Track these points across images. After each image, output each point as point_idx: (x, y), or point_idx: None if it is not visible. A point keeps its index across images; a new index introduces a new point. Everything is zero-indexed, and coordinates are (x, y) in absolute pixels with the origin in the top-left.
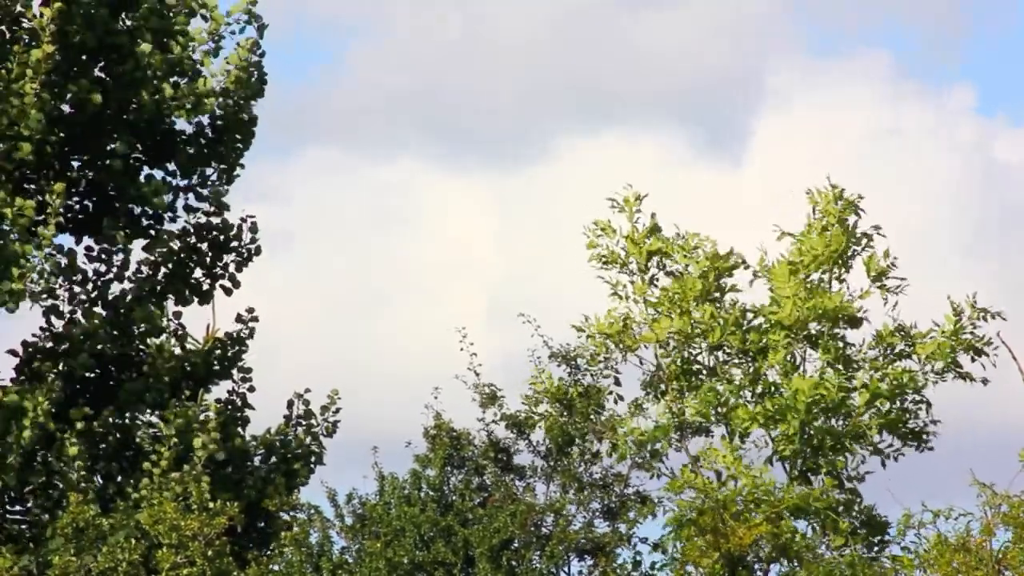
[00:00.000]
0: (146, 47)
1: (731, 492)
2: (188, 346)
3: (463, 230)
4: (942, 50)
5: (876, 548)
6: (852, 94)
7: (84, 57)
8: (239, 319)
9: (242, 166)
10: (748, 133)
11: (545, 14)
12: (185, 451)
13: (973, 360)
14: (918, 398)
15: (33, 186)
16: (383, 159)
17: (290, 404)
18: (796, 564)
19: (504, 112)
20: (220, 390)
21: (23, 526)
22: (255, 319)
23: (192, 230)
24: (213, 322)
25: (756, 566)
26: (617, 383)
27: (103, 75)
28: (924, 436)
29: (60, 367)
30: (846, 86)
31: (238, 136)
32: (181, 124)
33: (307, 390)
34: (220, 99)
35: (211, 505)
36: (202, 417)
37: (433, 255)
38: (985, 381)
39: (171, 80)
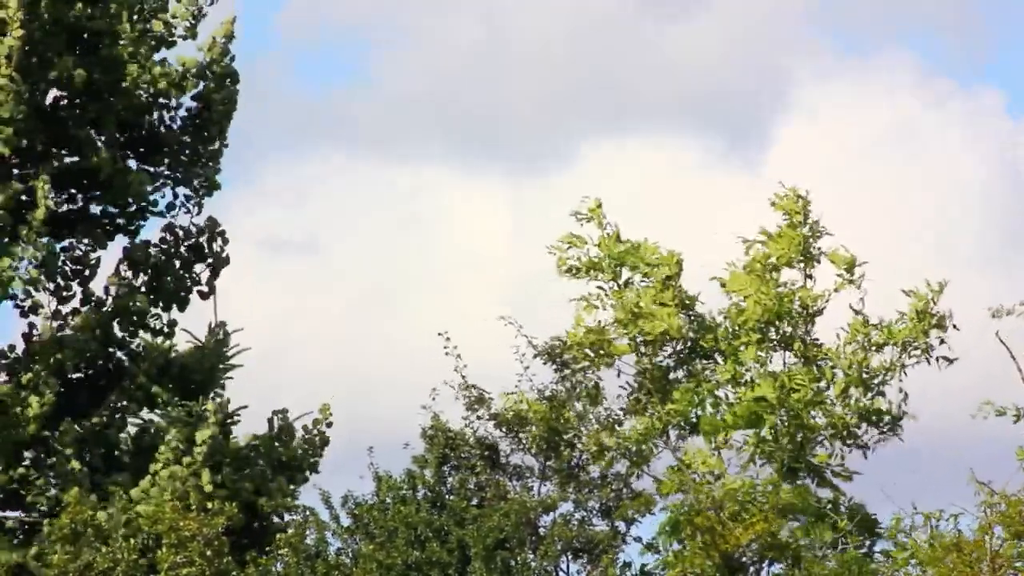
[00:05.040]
0: (126, 26)
1: (726, 492)
2: (188, 342)
3: (479, 234)
4: (970, 51)
5: (868, 545)
6: (876, 96)
7: (60, 42)
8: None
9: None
10: (769, 138)
11: (565, 20)
12: (186, 447)
13: (942, 342)
14: (887, 379)
15: (19, 183)
16: (400, 163)
17: (270, 422)
18: (794, 564)
19: (523, 117)
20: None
21: (20, 525)
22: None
23: (169, 238)
24: (215, 319)
25: (751, 567)
26: (597, 387)
27: (84, 63)
28: (897, 422)
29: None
30: (870, 87)
31: (217, 116)
32: (165, 116)
33: (284, 409)
34: (198, 79)
35: (209, 505)
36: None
37: (449, 258)
38: (946, 360)
39: (154, 58)
